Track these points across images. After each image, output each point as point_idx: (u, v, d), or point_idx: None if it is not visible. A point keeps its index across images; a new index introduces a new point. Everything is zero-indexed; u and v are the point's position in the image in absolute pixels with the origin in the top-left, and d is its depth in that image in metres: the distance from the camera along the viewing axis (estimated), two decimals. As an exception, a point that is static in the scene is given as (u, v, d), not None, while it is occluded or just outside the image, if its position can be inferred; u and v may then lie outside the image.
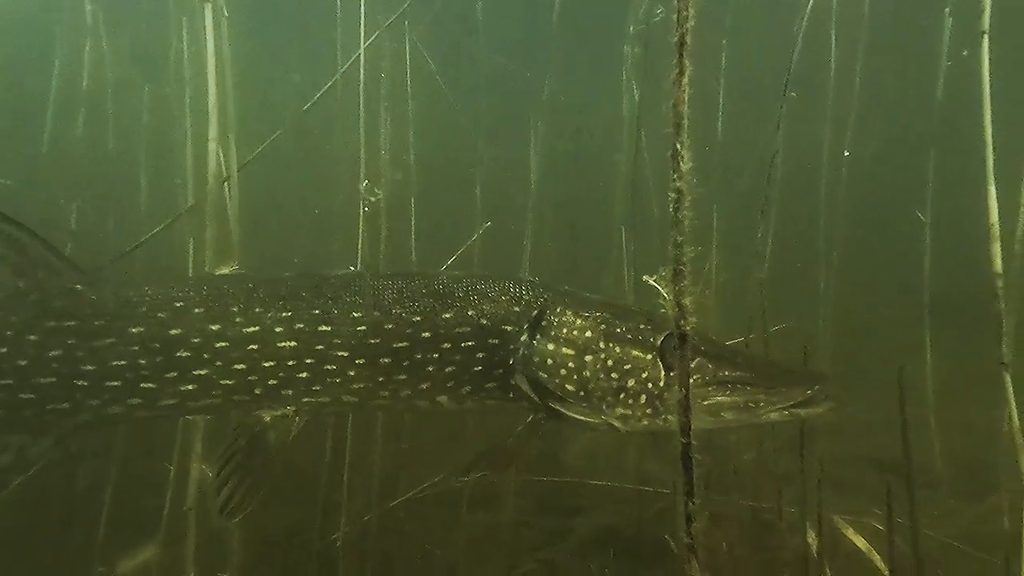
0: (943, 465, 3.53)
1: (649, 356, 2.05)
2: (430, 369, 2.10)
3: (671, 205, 1.03)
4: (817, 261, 3.24)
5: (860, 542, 2.25)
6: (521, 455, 2.23)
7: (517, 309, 2.14)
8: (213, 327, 2.05)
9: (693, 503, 1.07)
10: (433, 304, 2.12)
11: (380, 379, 2.10)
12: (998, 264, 1.48)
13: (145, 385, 2.04)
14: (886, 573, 1.81)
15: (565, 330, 2.10)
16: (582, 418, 2.10)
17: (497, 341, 2.11)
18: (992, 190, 1.44)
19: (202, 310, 2.07)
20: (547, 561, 3.61)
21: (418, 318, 2.11)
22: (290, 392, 2.08)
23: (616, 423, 2.07)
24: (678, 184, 1.03)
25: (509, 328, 2.12)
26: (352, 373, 2.09)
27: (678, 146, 1.02)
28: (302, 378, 2.07)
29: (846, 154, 2.40)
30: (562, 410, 2.08)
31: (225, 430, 2.14)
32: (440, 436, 4.02)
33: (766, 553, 2.82)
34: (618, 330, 2.09)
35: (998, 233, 1.43)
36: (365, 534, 3.18)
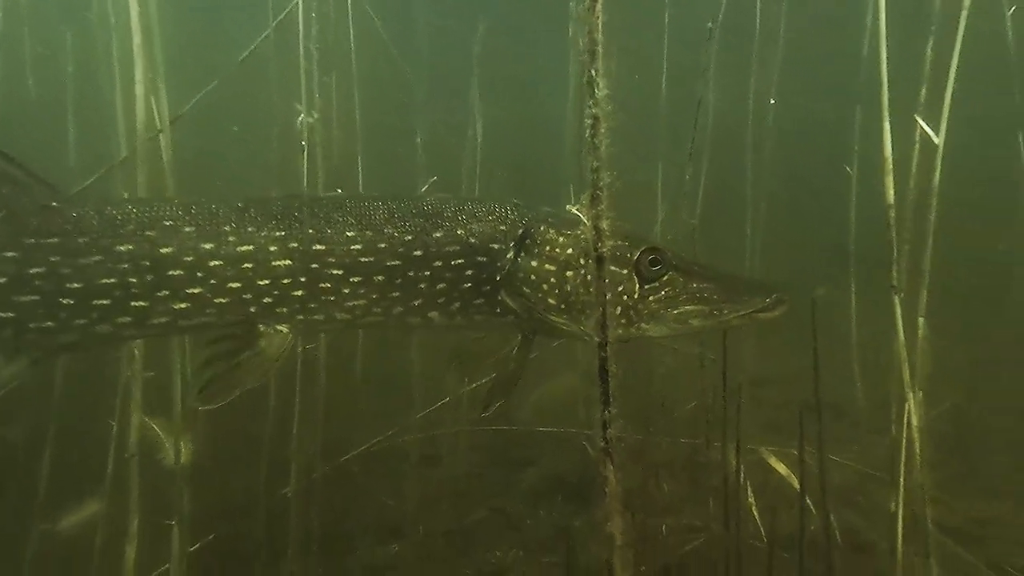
0: (864, 402, 3.79)
1: (625, 271, 2.20)
2: (422, 286, 2.19)
3: (587, 132, 1.08)
4: (745, 209, 3.39)
5: (781, 468, 2.43)
6: (521, 372, 2.37)
7: (503, 228, 2.24)
8: (206, 246, 2.08)
9: (609, 411, 1.15)
10: (424, 224, 2.21)
11: (374, 296, 2.17)
12: (891, 195, 1.60)
13: (135, 303, 2.04)
14: (797, 487, 1.97)
15: (548, 248, 2.22)
16: (565, 329, 2.24)
17: (485, 259, 2.21)
18: (887, 126, 1.55)
19: (193, 229, 2.08)
20: (498, 509, 3.75)
21: (410, 237, 2.19)
22: (285, 310, 2.14)
23: (592, 332, 2.19)
24: (594, 111, 1.08)
25: (496, 246, 2.22)
26: (346, 291, 2.16)
27: (593, 73, 1.07)
28: (297, 296, 2.13)
29: (771, 102, 2.51)
30: (548, 318, 2.21)
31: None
32: (394, 396, 4.07)
33: (698, 481, 3.01)
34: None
35: (891, 166, 1.54)
36: (319, 488, 3.23)
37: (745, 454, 2.55)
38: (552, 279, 2.20)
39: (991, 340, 4.79)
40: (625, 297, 2.20)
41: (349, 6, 3.67)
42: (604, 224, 1.13)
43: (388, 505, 3.66)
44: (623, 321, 2.22)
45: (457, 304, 2.24)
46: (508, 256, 2.22)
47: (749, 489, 2.33)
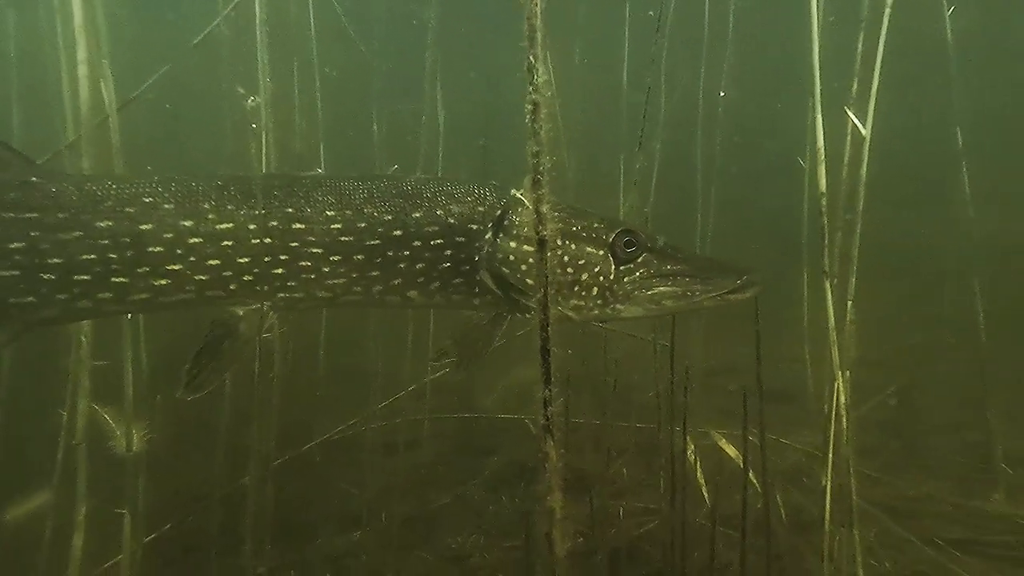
0: (813, 386, 3.91)
1: (601, 252, 2.23)
2: (401, 266, 2.21)
3: (528, 117, 1.11)
4: (697, 198, 3.46)
5: (731, 450, 2.50)
6: (489, 344, 2.39)
7: (482, 209, 2.26)
8: (185, 223, 2.08)
9: (549, 390, 1.19)
10: (403, 204, 2.23)
11: (354, 275, 2.19)
12: (823, 184, 1.67)
13: (116, 280, 2.05)
14: (741, 464, 2.04)
15: (526, 229, 2.22)
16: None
17: (463, 239, 2.23)
18: (819, 118, 1.62)
19: (172, 206, 2.09)
20: (461, 496, 3.78)
21: (389, 217, 2.21)
22: (265, 288, 2.16)
23: (571, 313, 2.25)
24: (534, 96, 1.11)
25: (475, 227, 2.24)
26: (326, 270, 2.17)
27: (532, 59, 1.09)
28: (277, 274, 2.14)
29: (721, 95, 2.56)
30: (523, 301, 2.23)
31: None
32: (354, 385, 4.07)
33: (654, 466, 3.08)
34: (574, 228, 2.25)
35: (823, 156, 1.61)
36: (279, 477, 3.21)
37: (698, 438, 2.63)
38: (530, 259, 2.20)
39: (933, 328, 4.99)
40: (601, 278, 2.23)
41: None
42: (544, 208, 1.16)
43: (351, 493, 3.66)
44: (599, 301, 2.24)
45: (436, 284, 2.26)
46: (487, 237, 2.23)
47: (699, 470, 2.40)
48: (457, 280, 2.27)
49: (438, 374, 4.17)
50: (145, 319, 2.62)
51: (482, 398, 4.77)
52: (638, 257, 2.23)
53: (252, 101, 2.36)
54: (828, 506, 1.76)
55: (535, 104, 1.09)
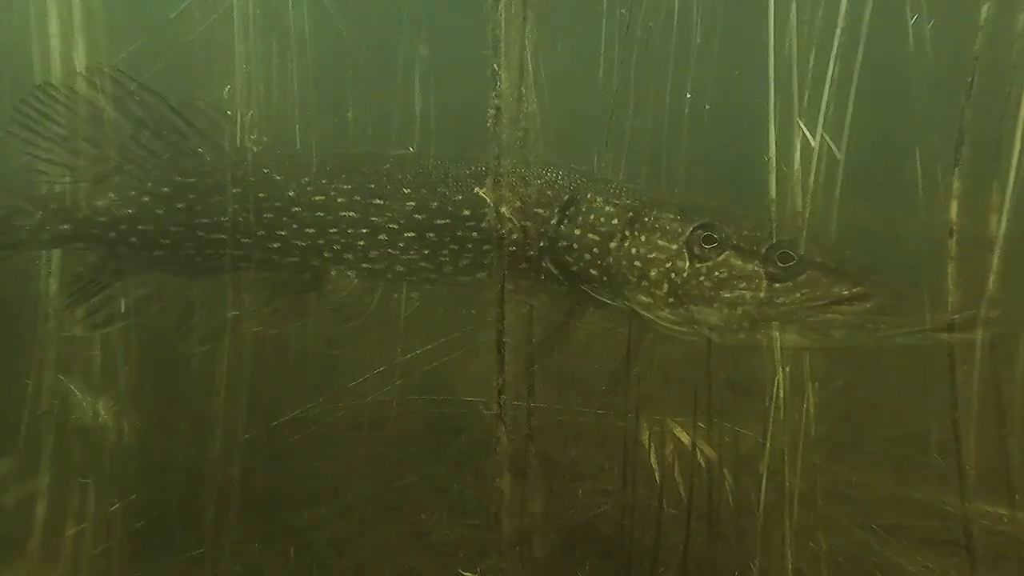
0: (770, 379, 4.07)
1: (674, 246, 2.08)
2: (469, 246, 2.23)
3: (489, 121, 1.17)
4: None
5: (684, 437, 2.63)
6: (570, 334, 2.35)
7: (550, 193, 2.22)
8: (290, 193, 2.24)
9: (503, 379, 1.26)
10: (474, 185, 2.23)
11: (426, 252, 2.25)
12: (773, 191, 1.77)
13: (243, 239, 2.27)
14: (690, 447, 2.16)
15: (592, 216, 2.17)
16: (608, 302, 2.18)
17: (529, 223, 2.18)
18: (772, 127, 1.71)
19: (282, 177, 2.26)
20: (427, 475, 3.87)
21: (460, 196, 2.23)
22: (351, 257, 2.29)
23: (639, 309, 2.13)
24: (496, 102, 1.17)
25: (541, 211, 2.19)
26: (401, 245, 2.25)
27: (496, 67, 1.14)
28: (360, 246, 2.26)
29: (687, 96, 2.64)
30: (589, 292, 2.16)
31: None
32: (322, 363, 4.11)
33: (608, 449, 3.21)
34: (645, 219, 2.13)
35: (775, 164, 1.70)
36: (246, 453, 3.25)
37: (653, 425, 2.75)
38: (595, 249, 2.13)
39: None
40: (673, 275, 2.06)
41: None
42: (504, 209, 1.22)
43: (317, 472, 3.72)
44: (670, 300, 2.07)
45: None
46: (552, 222, 2.18)
47: (652, 456, 2.52)
48: (523, 265, 2.21)
49: (408, 356, 4.23)
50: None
51: (455, 380, 4.84)
52: (719, 256, 2.03)
53: (231, 89, 2.41)
54: (763, 492, 1.88)
55: (497, 109, 1.15)
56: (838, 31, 1.75)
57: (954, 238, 1.36)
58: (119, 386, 2.44)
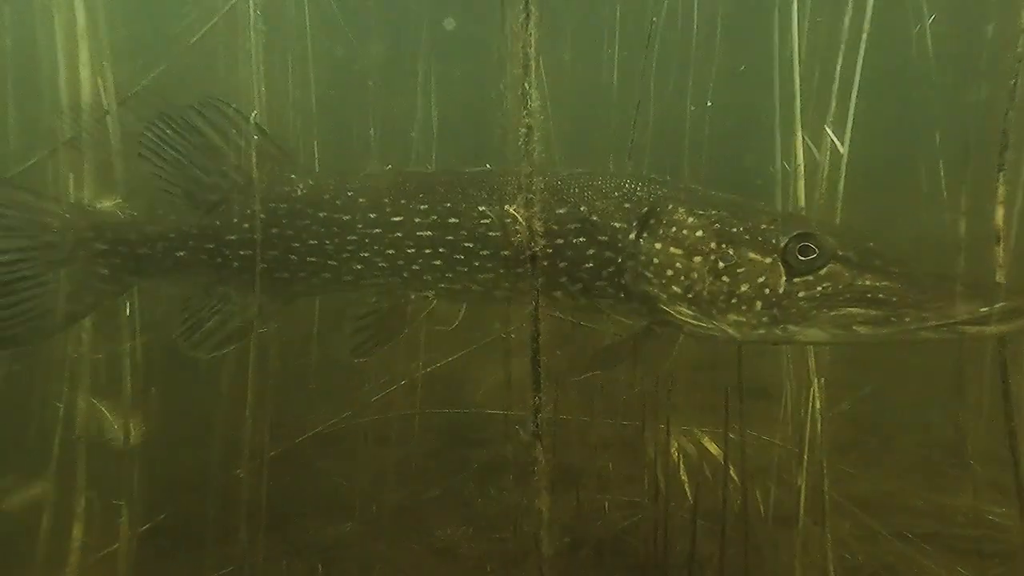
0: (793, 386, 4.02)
1: (768, 260, 1.88)
2: (545, 263, 2.10)
3: (521, 140, 1.16)
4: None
5: (713, 447, 2.60)
6: (630, 355, 2.19)
7: (628, 206, 2.06)
8: (371, 215, 2.27)
9: (540, 398, 1.25)
10: (549, 199, 2.13)
11: (501, 271, 2.21)
12: (802, 197, 1.74)
13: (330, 262, 2.31)
14: (722, 461, 2.13)
15: (674, 229, 1.99)
16: (693, 323, 1.99)
17: (606, 238, 2.05)
18: (800, 134, 1.68)
19: (365, 200, 2.28)
20: (450, 488, 3.86)
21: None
22: (429, 278, 2.29)
23: (729, 330, 1.93)
24: (527, 121, 1.16)
25: (618, 225, 2.05)
26: (476, 263, 2.22)
27: (526, 86, 1.14)
28: (436, 265, 2.26)
29: (708, 104, 2.62)
30: (671, 312, 1.99)
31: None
32: (345, 379, 4.12)
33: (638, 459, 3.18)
34: (734, 230, 1.94)
35: (802, 172, 1.68)
36: (273, 469, 3.27)
37: (681, 435, 2.72)
38: (677, 264, 1.96)
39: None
40: (767, 291, 1.86)
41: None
42: (537, 225, 1.21)
43: (342, 486, 3.73)
44: (764, 319, 1.87)
45: (580, 285, 2.12)
46: (630, 237, 2.03)
47: (682, 466, 2.49)
48: (601, 283, 2.09)
49: (429, 369, 4.24)
50: (141, 315, 2.66)
51: (473, 393, 4.83)
52: (820, 268, 1.82)
53: (255, 115, 2.43)
54: (802, 504, 1.85)
55: (529, 128, 1.15)
56: (864, 36, 1.73)
57: (1001, 245, 1.31)
58: (148, 408, 2.46)
